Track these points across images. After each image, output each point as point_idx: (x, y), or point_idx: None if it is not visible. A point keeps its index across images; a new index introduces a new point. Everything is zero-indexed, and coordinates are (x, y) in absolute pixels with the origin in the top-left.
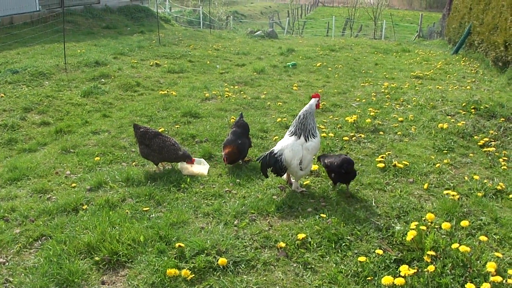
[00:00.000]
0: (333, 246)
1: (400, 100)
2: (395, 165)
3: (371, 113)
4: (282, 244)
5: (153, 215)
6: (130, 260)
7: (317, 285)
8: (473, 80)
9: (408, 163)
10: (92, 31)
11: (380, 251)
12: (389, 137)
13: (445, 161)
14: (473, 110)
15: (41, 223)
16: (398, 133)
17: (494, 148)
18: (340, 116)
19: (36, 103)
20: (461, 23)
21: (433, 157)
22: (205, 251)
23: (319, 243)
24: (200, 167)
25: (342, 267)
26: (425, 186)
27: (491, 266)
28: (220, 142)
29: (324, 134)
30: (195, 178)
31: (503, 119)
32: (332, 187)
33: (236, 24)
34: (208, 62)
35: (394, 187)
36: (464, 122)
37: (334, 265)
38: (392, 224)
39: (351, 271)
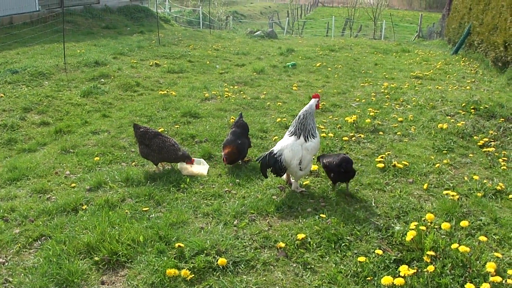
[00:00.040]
0: (333, 246)
1: (399, 100)
2: (394, 165)
3: (371, 113)
4: (282, 244)
5: (153, 215)
6: (130, 260)
7: (316, 285)
8: (473, 80)
9: (407, 163)
10: (91, 31)
11: (380, 251)
12: (389, 137)
13: (445, 161)
14: (472, 110)
15: (40, 223)
16: (397, 133)
17: (493, 148)
18: (339, 116)
19: (35, 103)
20: (461, 23)
21: (432, 157)
22: (205, 251)
23: (318, 243)
24: (200, 167)
25: (342, 267)
26: (425, 186)
27: (490, 266)
28: (219, 142)
29: (324, 134)
30: (194, 178)
31: (503, 119)
32: (332, 187)
33: (235, 24)
34: (208, 62)
35: (394, 187)
36: (463, 122)
37: (334, 265)
38: (392, 224)
39: (350, 271)
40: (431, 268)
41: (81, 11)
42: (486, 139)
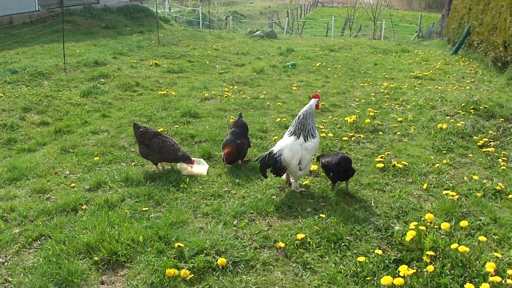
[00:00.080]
0: (332, 246)
1: (399, 100)
2: (394, 165)
3: (371, 113)
4: (281, 244)
5: (152, 215)
6: (129, 260)
7: (316, 285)
8: (473, 80)
9: (407, 163)
10: (91, 31)
11: (380, 251)
12: (389, 137)
13: (444, 161)
14: (472, 110)
15: (40, 223)
16: (397, 133)
17: (493, 148)
18: (339, 116)
19: (35, 103)
20: (461, 23)
21: (432, 157)
22: (204, 251)
23: (318, 243)
24: (200, 167)
25: (341, 267)
26: (424, 186)
27: (490, 266)
28: (219, 142)
29: (324, 134)
30: (194, 178)
31: (503, 119)
32: (331, 187)
33: (235, 24)
34: (208, 62)
35: (393, 187)
36: (463, 122)
37: (333, 265)
38: (391, 224)
39: (350, 271)
40: (430, 268)
41: (81, 11)
42: (486, 139)
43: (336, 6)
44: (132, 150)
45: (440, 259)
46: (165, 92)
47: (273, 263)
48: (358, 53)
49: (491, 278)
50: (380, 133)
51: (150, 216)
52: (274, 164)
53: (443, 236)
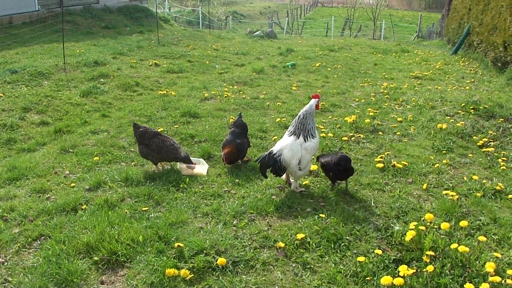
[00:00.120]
0: (332, 246)
1: (399, 100)
2: (394, 165)
3: (370, 113)
4: (281, 244)
5: (152, 215)
6: (129, 260)
7: (316, 285)
8: (472, 80)
9: (407, 163)
10: (91, 31)
11: (379, 251)
12: (388, 137)
13: (444, 161)
14: (472, 110)
15: (40, 223)
16: (397, 133)
17: (493, 149)
18: (339, 116)
19: (35, 103)
20: (460, 23)
21: (432, 157)
22: (204, 251)
23: (318, 243)
24: (199, 167)
25: (341, 267)
26: (424, 186)
27: (490, 266)
28: (219, 142)
29: (323, 134)
30: (194, 178)
31: (502, 119)
32: (331, 186)
33: (235, 24)
34: (207, 62)
35: (393, 187)
36: (463, 123)
37: (333, 265)
38: (391, 224)
39: (350, 271)
40: (430, 268)
41: (81, 11)
42: (486, 139)
43: (336, 6)
44: (132, 150)
45: (440, 259)
46: (165, 92)
47: (273, 263)
48: (358, 53)
49: (491, 278)
50: (380, 133)
51: (150, 216)
52: (274, 164)
53: (443, 236)
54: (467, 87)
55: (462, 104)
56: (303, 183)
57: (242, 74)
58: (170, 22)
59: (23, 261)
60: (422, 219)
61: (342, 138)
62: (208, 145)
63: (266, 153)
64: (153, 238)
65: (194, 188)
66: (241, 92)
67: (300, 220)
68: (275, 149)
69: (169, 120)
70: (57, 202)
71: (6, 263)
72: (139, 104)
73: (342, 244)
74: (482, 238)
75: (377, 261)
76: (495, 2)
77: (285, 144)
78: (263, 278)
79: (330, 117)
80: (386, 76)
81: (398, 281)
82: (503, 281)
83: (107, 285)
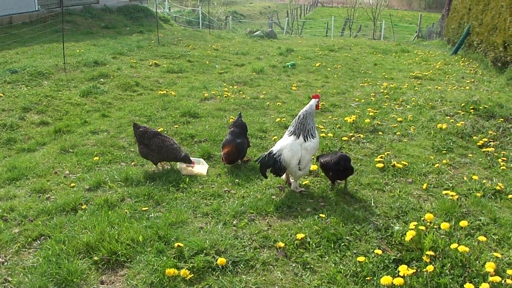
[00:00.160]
0: (332, 246)
1: (399, 100)
2: (394, 165)
3: (370, 113)
4: (281, 244)
5: (152, 215)
6: (129, 260)
7: (316, 285)
8: (472, 80)
9: (407, 163)
10: (91, 31)
11: (379, 251)
12: (388, 137)
13: (444, 161)
14: (472, 110)
15: (40, 222)
16: (397, 133)
17: (493, 149)
18: (339, 116)
19: (35, 103)
20: (460, 23)
21: (432, 157)
22: (204, 251)
23: (318, 243)
24: (199, 167)
25: (341, 267)
26: (424, 186)
27: (490, 266)
28: (219, 142)
29: (323, 134)
30: (194, 178)
31: (502, 119)
32: (331, 186)
33: (235, 24)
34: (207, 62)
35: (393, 187)
36: (463, 123)
37: (333, 265)
38: (391, 224)
39: (350, 271)
40: (430, 268)
41: (81, 11)
42: (486, 139)
43: (336, 6)
44: (132, 150)
45: (440, 259)
46: (164, 92)
47: (272, 263)
48: (357, 53)
49: (490, 278)
50: (380, 133)
51: (150, 216)
52: (274, 164)
53: (443, 236)
54: (467, 87)
55: (462, 104)
56: (303, 183)
57: (242, 74)
58: (170, 22)
59: (23, 261)
60: (422, 219)
61: (342, 138)
62: (208, 145)
63: (266, 153)
64: (153, 238)
65: (194, 188)
66: (241, 92)
67: (300, 220)
68: (275, 149)
69: (169, 120)
70: (57, 202)
71: (6, 263)
72: (139, 104)
73: (342, 244)
74: (482, 238)
75: (377, 261)
76: (495, 2)
77: (285, 144)
78: (263, 278)
79: (330, 117)
80: (386, 76)
81: (398, 281)
82: (503, 281)
83: (107, 285)
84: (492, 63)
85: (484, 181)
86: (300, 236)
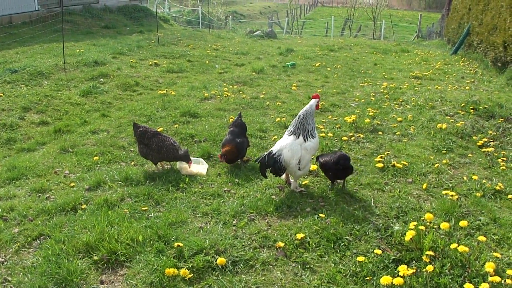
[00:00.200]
0: (332, 246)
1: (399, 100)
2: (394, 165)
3: (370, 113)
4: (281, 244)
5: (152, 215)
6: (129, 260)
7: (315, 285)
8: (472, 80)
9: (407, 163)
10: (91, 30)
11: (379, 251)
12: (388, 137)
13: (444, 161)
14: (472, 110)
15: (39, 222)
16: (397, 133)
17: (493, 149)
18: (339, 116)
19: (35, 103)
20: (460, 23)
21: (432, 157)
22: (204, 251)
23: (317, 243)
24: (199, 167)
25: (341, 267)
26: (424, 186)
27: (489, 266)
28: (219, 142)
29: (323, 134)
30: (194, 177)
31: (502, 119)
32: (331, 186)
33: (235, 24)
34: (207, 62)
35: (393, 187)
36: (463, 123)
37: (333, 265)
38: (391, 224)
39: (349, 271)
40: (430, 268)
41: (81, 10)
42: (485, 139)
43: (336, 6)
44: (132, 149)
45: (440, 259)
46: (164, 91)
47: (272, 262)
48: (357, 53)
49: (490, 278)
50: (380, 133)
51: (150, 215)
52: (273, 164)
53: (443, 236)
54: (467, 87)
55: (462, 104)
56: (303, 182)
57: (242, 74)
58: (170, 22)
59: (22, 261)
60: (421, 219)
61: (342, 138)
62: (208, 145)
63: (265, 153)
64: (153, 238)
65: (194, 188)
66: (241, 92)
67: (299, 220)
68: (274, 149)
69: (168, 119)
70: (57, 201)
71: (5, 263)
72: (139, 104)
73: (342, 244)
74: (481, 238)
75: (376, 261)
76: (495, 2)
77: (285, 144)
78: (263, 278)
79: (330, 117)
80: (386, 76)
81: (398, 281)
82: (502, 281)
83: (106, 284)
84: (492, 63)
85: (484, 181)
86: (299, 236)
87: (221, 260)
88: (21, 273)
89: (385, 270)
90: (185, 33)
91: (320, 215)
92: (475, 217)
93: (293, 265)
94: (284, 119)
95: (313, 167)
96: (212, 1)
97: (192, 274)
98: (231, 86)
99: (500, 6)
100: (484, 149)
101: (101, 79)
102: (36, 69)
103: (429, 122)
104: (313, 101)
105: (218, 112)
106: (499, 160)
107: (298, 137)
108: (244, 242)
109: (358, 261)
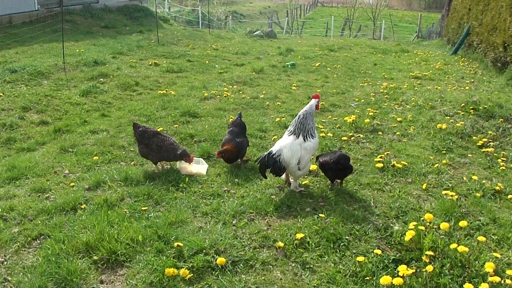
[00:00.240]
0: (332, 246)
1: (399, 100)
2: (393, 165)
3: (370, 113)
4: (281, 244)
5: (152, 215)
6: (129, 260)
7: (315, 284)
8: (472, 80)
9: (406, 163)
10: (91, 30)
11: (379, 251)
12: (388, 137)
13: (444, 161)
14: (472, 110)
15: (39, 222)
16: (397, 133)
17: (492, 149)
18: (339, 116)
19: (34, 103)
20: (460, 23)
21: (431, 157)
22: (204, 251)
23: (317, 243)
24: (199, 167)
25: (341, 267)
26: (424, 186)
27: (489, 267)
28: (218, 141)
29: (323, 134)
30: (193, 177)
31: (502, 119)
32: (331, 186)
33: (235, 24)
34: (207, 61)
35: (393, 187)
36: (463, 123)
37: (333, 265)
38: (391, 224)
39: (349, 271)
40: (430, 268)
41: (80, 10)
42: (485, 140)
43: (336, 6)
44: (132, 149)
45: (439, 259)
46: (164, 91)
47: (272, 262)
48: (357, 53)
49: (490, 278)
50: (380, 133)
51: (150, 215)
52: (273, 164)
53: (443, 236)
54: (466, 87)
55: (462, 104)
56: (303, 182)
57: (241, 73)
58: (170, 21)
59: (22, 261)
60: (421, 219)
61: (342, 138)
62: (208, 145)
63: (265, 153)
64: (153, 238)
65: (194, 188)
66: (240, 92)
67: (299, 220)
68: (274, 149)
69: (168, 119)
70: (57, 201)
71: (5, 263)
72: (139, 104)
73: (342, 244)
74: (481, 238)
75: (376, 261)
76: (495, 2)
77: (285, 144)
78: (263, 278)
79: (330, 117)
80: (385, 76)
81: (398, 281)
82: (502, 281)
83: (106, 284)
84: (492, 63)
85: (483, 181)
86: (299, 236)
87: (221, 260)
88: (21, 273)
89: (384, 270)
90: (185, 33)
91: (320, 215)
92: (475, 217)
93: (293, 265)
94: (284, 119)
95: (313, 167)
96: (212, 1)
97: (192, 274)
98: (231, 86)
99: (500, 6)
100: (484, 149)
101: (101, 79)
102: (36, 69)
103: (429, 122)
104: (313, 101)
105: (218, 112)
106: (499, 160)
107: (298, 137)
108: (244, 242)
109: (358, 261)
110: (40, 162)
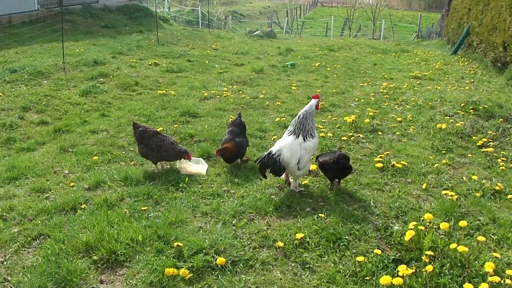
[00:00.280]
0: (332, 246)
1: (398, 100)
2: (393, 165)
3: (370, 113)
4: (281, 244)
5: (152, 215)
6: (129, 260)
7: (315, 284)
8: (472, 80)
9: (406, 163)
10: (90, 30)
11: (379, 251)
12: (388, 137)
13: (444, 161)
14: (471, 110)
15: (39, 222)
16: (396, 133)
17: (492, 149)
18: (338, 116)
19: (34, 102)
20: (460, 23)
21: (431, 157)
22: (204, 251)
23: (317, 243)
24: (199, 167)
25: (340, 266)
26: (424, 186)
27: (489, 266)
28: (218, 141)
29: (323, 134)
30: (193, 177)
31: (502, 119)
32: (330, 186)
33: (235, 24)
34: (207, 61)
35: (393, 187)
36: (462, 123)
37: (332, 264)
38: (391, 224)
39: (349, 270)
40: (429, 268)
41: (80, 10)
42: (485, 140)
43: (336, 6)
44: (131, 149)
45: (439, 259)
46: (164, 91)
47: (272, 262)
48: (357, 53)
49: (490, 278)
50: (379, 133)
51: (149, 215)
52: (273, 165)
53: (442, 236)
54: (466, 87)
55: (462, 104)
56: (303, 182)
57: (241, 73)
58: (170, 21)
59: (22, 261)
60: (421, 219)
61: (342, 138)
62: (208, 145)
63: (265, 153)
64: (153, 238)
65: (194, 188)
66: (240, 92)
67: (299, 220)
68: (274, 149)
69: (168, 119)
70: (57, 201)
71: (5, 262)
72: (139, 104)
73: (341, 244)
74: (481, 238)
75: (376, 261)
76: (495, 2)
77: (285, 144)
78: (262, 278)
79: (330, 116)
80: (385, 76)
81: (397, 281)
82: (502, 281)
83: (106, 284)
84: (491, 63)
85: (483, 181)
86: (299, 235)
87: (220, 260)
88: (21, 273)
89: (384, 270)
90: (184, 33)
91: (320, 215)
92: (474, 217)
93: (293, 265)
94: (283, 119)
95: (313, 167)
96: (212, 1)
97: (192, 274)
98: (230, 86)
99: (500, 6)
100: (483, 149)
101: (101, 79)
102: (35, 69)
103: (429, 122)
104: (313, 101)
105: (218, 112)
106: (499, 160)
107: (298, 137)
108: (243, 242)
109: (358, 261)
110: (40, 162)
